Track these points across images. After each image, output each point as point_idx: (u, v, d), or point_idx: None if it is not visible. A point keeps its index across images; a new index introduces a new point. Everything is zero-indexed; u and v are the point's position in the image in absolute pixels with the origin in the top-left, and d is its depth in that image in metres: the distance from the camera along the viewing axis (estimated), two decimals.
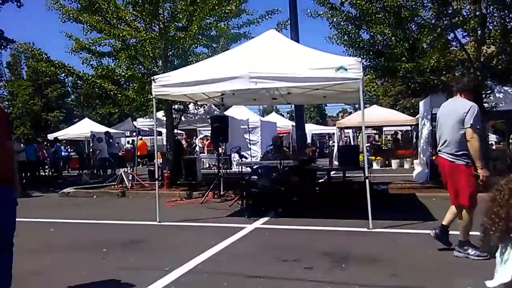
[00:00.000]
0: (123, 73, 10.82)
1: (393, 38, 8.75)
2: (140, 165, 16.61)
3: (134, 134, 16.41)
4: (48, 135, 22.67)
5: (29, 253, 4.93)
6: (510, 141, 14.54)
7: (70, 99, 40.75)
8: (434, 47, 8.51)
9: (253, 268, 4.18)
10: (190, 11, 9.78)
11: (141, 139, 16.17)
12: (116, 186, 11.28)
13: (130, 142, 18.69)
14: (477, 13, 8.27)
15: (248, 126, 12.95)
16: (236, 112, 15.12)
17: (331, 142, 29.39)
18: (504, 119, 15.14)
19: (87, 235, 6.15)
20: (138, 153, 14.96)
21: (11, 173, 3.17)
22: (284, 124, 22.08)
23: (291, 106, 15.85)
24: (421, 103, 11.81)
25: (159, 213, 6.71)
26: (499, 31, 8.26)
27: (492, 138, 17.11)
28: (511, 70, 8.56)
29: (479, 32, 8.39)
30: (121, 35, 10.05)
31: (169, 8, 10.33)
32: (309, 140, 23.65)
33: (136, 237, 5.74)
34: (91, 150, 17.14)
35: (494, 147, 15.77)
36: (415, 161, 14.32)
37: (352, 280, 3.75)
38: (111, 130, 17.30)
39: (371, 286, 3.64)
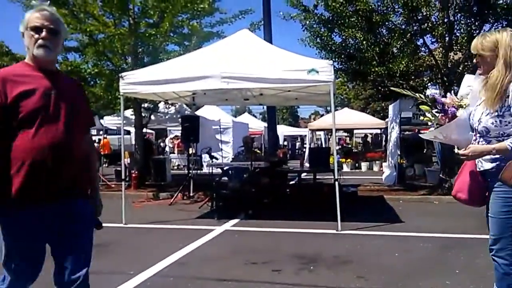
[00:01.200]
0: (89, 70, 10.47)
1: (364, 42, 8.87)
2: (105, 165, 16.18)
3: (101, 132, 15.95)
4: None
5: None
6: None
7: None
8: (404, 52, 8.68)
9: (222, 271, 4.10)
10: (161, 7, 9.57)
11: (105, 137, 15.74)
12: None
13: (97, 141, 18.18)
14: (445, 20, 8.51)
15: (219, 126, 12.81)
16: (208, 112, 14.95)
17: (298, 144, 29.61)
18: None
19: None
20: (102, 152, 14.55)
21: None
22: (256, 125, 22.06)
23: (264, 107, 15.83)
24: (391, 107, 12.05)
25: (125, 215, 6.51)
26: (465, 38, 8.50)
27: None
28: None
29: (446, 38, 8.63)
30: (88, 30, 9.71)
31: (139, 4, 10.06)
32: (281, 142, 23.79)
33: (101, 239, 5.45)
34: None
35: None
36: (383, 163, 14.62)
37: (319, 282, 3.75)
38: None
39: None
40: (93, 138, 19.18)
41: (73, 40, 10.95)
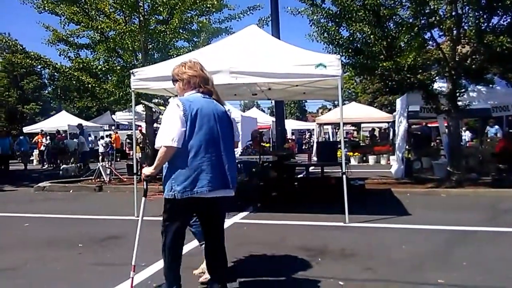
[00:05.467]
0: (101, 67, 10.64)
1: (372, 36, 8.87)
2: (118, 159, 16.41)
3: (113, 127, 16.20)
4: (24, 128, 22.12)
5: (3, 249, 4.86)
6: (483, 138, 15.00)
7: (47, 91, 39.62)
8: (411, 46, 8.64)
9: (230, 263, 4.19)
10: (171, 4, 9.70)
11: (116, 133, 15.98)
12: (93, 180, 11.12)
13: (109, 135, 18.49)
14: (453, 13, 8.47)
15: None
16: None
17: (306, 137, 29.64)
18: (477, 117, 15.61)
19: (63, 230, 6.05)
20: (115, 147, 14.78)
21: None
22: (264, 119, 22.12)
23: (272, 102, 15.88)
24: (398, 101, 12.04)
25: (137, 208, 6.66)
26: (473, 31, 8.44)
27: (466, 135, 17.63)
28: (485, 69, 8.82)
29: (454, 32, 8.59)
30: (99, 27, 9.88)
31: (149, 1, 10.19)
32: (289, 136, 23.83)
33: (114, 232, 5.69)
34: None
35: (467, 144, 16.24)
36: (391, 157, 14.62)
37: (327, 274, 3.80)
38: (90, 123, 17.02)
39: (346, 280, 3.69)
40: (106, 133, 19.76)
41: (85, 38, 11.15)
